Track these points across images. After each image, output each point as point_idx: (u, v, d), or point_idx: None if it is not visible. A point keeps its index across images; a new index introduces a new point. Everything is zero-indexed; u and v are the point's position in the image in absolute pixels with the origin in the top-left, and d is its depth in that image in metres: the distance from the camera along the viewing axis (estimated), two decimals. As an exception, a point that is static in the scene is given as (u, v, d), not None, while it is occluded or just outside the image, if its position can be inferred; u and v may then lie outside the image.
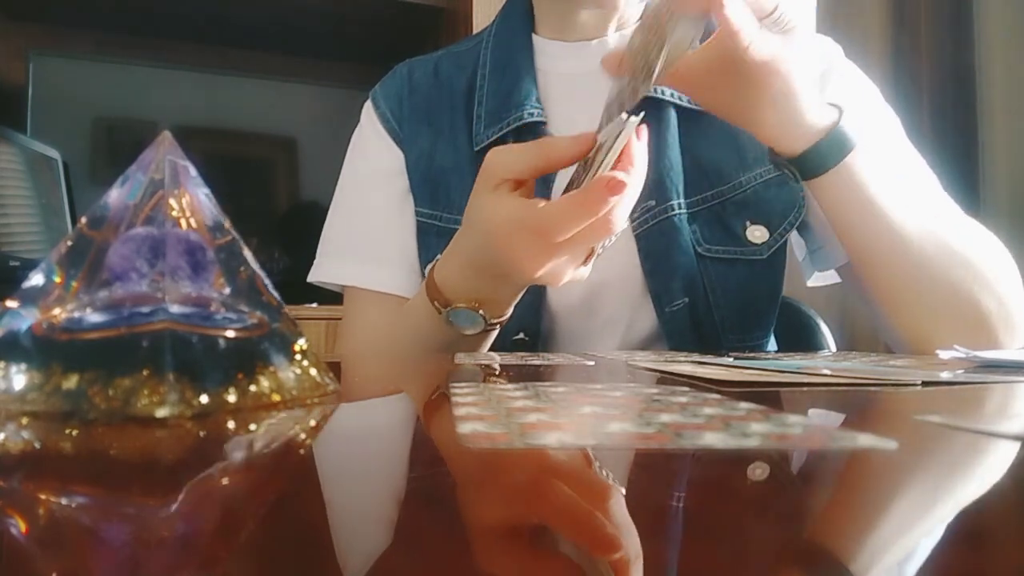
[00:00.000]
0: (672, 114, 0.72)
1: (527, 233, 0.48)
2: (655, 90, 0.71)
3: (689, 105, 0.71)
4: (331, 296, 0.83)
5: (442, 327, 0.59)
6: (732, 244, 0.71)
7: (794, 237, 0.79)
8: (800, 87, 0.52)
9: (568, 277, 0.52)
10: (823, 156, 0.55)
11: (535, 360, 0.50)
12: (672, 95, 0.72)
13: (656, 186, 0.69)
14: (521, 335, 0.71)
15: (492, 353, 0.61)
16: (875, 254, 0.60)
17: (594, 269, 0.71)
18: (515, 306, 0.61)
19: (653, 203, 0.70)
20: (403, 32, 1.93)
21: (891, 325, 0.64)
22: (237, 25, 1.86)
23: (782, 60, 0.50)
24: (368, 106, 0.80)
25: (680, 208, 0.70)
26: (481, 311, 0.57)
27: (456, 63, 0.79)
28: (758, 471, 0.18)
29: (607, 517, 0.15)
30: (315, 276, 0.77)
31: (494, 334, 0.64)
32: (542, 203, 0.48)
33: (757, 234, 0.71)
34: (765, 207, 0.71)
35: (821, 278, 0.77)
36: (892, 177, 0.58)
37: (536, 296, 0.71)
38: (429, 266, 0.61)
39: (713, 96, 0.55)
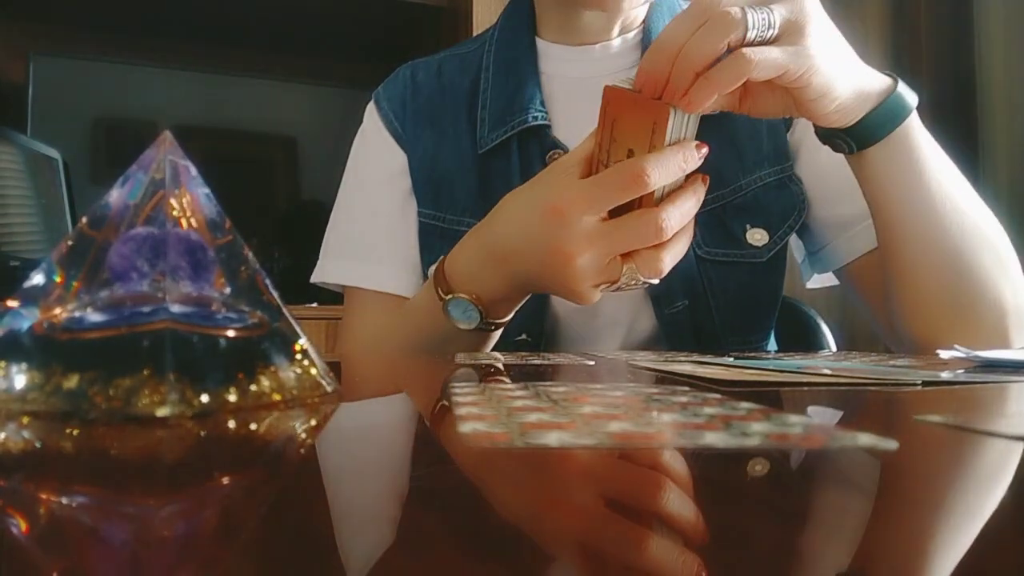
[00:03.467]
0: None
1: (575, 209, 0.49)
2: None
3: None
4: (331, 296, 0.83)
5: (439, 319, 0.59)
6: (732, 247, 0.71)
7: (793, 239, 0.78)
8: (831, 74, 0.49)
9: (585, 287, 0.51)
10: (877, 124, 0.53)
11: (536, 360, 0.50)
12: None
13: None
14: (524, 336, 0.71)
15: (494, 352, 0.61)
16: (913, 230, 0.58)
17: None
18: (518, 309, 0.61)
19: None
20: (403, 32, 1.93)
21: (903, 320, 0.62)
22: (237, 25, 1.86)
23: (793, 67, 0.47)
24: (371, 107, 0.80)
25: None
26: (480, 307, 0.57)
27: (459, 65, 0.79)
28: (757, 467, 0.18)
29: (608, 517, 0.15)
30: (317, 277, 0.78)
31: (491, 339, 0.63)
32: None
33: (757, 237, 0.71)
34: (765, 210, 0.71)
35: (819, 280, 0.77)
36: (938, 152, 0.57)
37: (540, 297, 0.71)
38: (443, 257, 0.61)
39: (764, 110, 0.54)
